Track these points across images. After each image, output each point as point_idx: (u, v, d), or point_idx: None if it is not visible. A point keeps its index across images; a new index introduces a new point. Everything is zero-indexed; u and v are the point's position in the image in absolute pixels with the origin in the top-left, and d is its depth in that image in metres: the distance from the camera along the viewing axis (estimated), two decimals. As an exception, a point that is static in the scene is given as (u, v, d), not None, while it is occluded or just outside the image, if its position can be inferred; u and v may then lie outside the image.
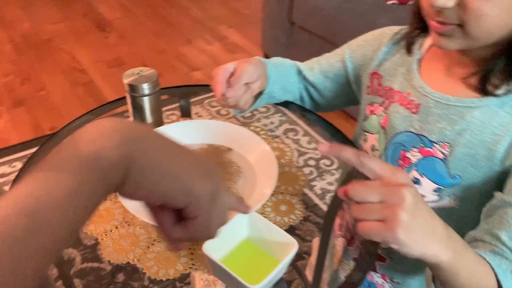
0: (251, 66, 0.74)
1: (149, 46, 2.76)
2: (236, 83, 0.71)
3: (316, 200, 1.76)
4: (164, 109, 1.29)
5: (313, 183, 1.82)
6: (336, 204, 0.91)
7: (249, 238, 0.63)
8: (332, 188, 1.80)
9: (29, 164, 0.81)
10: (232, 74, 0.74)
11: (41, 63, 2.56)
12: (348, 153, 0.47)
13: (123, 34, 2.88)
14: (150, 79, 0.80)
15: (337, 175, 1.85)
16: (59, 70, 2.50)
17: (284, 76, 0.84)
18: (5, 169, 1.85)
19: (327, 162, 1.91)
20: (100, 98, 2.28)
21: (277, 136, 2.07)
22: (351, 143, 0.83)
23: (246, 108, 0.75)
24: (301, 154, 1.97)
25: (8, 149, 1.95)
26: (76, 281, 1.44)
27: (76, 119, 0.88)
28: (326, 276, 0.99)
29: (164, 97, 0.98)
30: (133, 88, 0.80)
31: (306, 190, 1.79)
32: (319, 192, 1.78)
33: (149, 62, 2.59)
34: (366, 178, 0.47)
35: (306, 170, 1.88)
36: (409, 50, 0.71)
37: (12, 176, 1.82)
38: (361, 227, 0.45)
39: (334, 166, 1.89)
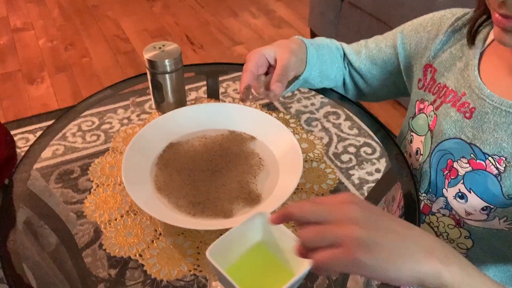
0: (295, 58, 0.66)
1: (193, 17, 2.70)
2: (284, 78, 0.62)
3: (353, 190, 1.66)
4: (196, 85, 1.24)
5: (351, 171, 1.72)
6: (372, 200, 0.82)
7: (261, 243, 0.56)
8: (372, 178, 1.69)
9: (45, 134, 0.77)
10: (270, 64, 0.65)
11: (86, 29, 2.56)
12: (291, 212, 0.40)
13: (168, 3, 2.83)
14: (172, 55, 0.73)
15: (378, 165, 1.74)
16: (103, 38, 2.49)
17: (326, 61, 0.75)
18: (42, 134, 1.87)
19: (369, 150, 1.80)
20: (141, 68, 2.25)
21: (317, 119, 1.97)
22: (394, 142, 0.73)
23: (275, 100, 0.66)
24: (341, 140, 1.86)
25: (47, 115, 1.97)
26: (101, 252, 1.44)
27: (95, 93, 0.83)
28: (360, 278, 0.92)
29: (190, 74, 0.91)
30: (153, 64, 0.73)
31: (343, 179, 1.70)
32: (356, 182, 1.68)
33: (191, 33, 2.53)
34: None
35: (345, 157, 1.78)
36: (471, 40, 0.59)
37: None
38: (314, 259, 0.38)
39: (376, 155, 1.77)
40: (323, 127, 1.93)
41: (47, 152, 1.80)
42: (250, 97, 0.63)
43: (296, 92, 2.09)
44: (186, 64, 0.78)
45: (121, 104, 1.96)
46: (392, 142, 0.73)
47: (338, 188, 0.69)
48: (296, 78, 0.73)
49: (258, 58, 0.64)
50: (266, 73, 0.67)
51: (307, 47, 0.71)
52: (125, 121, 1.87)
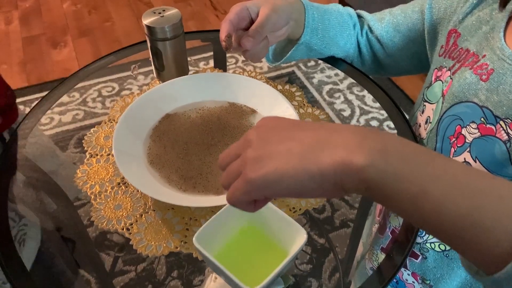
0: (275, 14, 0.62)
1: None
2: (257, 33, 0.59)
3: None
4: (204, 55, 1.20)
5: (372, 146, 1.66)
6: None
7: (251, 224, 0.53)
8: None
9: (41, 105, 0.77)
10: (252, 20, 0.62)
11: (109, -7, 2.53)
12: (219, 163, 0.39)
13: (194, -33, 2.75)
14: (171, 21, 0.69)
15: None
16: (126, 2, 2.46)
17: (333, 26, 0.70)
18: (64, 98, 1.88)
19: (392, 125, 1.73)
20: (162, 34, 2.22)
21: (340, 91, 1.90)
22: (403, 116, 0.69)
23: (253, 60, 0.63)
24: (364, 112, 1.79)
25: (69, 79, 1.98)
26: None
27: (95, 61, 0.81)
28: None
29: (197, 42, 0.88)
30: (151, 30, 0.70)
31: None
32: (377, 157, 1.62)
33: (215, -2, 2.47)
34: None
35: (367, 131, 1.71)
36: (503, 3, 0.54)
37: (70, 106, 1.85)
38: (227, 196, 0.37)
39: (399, 130, 1.70)
40: (345, 99, 1.86)
41: (67, 117, 1.81)
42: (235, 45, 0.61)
43: (319, 61, 2.02)
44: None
45: (142, 70, 1.95)
46: (401, 116, 0.69)
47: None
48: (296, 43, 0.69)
49: (240, 10, 0.61)
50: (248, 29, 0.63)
51: (305, 8, 0.67)
52: (145, 87, 1.86)
